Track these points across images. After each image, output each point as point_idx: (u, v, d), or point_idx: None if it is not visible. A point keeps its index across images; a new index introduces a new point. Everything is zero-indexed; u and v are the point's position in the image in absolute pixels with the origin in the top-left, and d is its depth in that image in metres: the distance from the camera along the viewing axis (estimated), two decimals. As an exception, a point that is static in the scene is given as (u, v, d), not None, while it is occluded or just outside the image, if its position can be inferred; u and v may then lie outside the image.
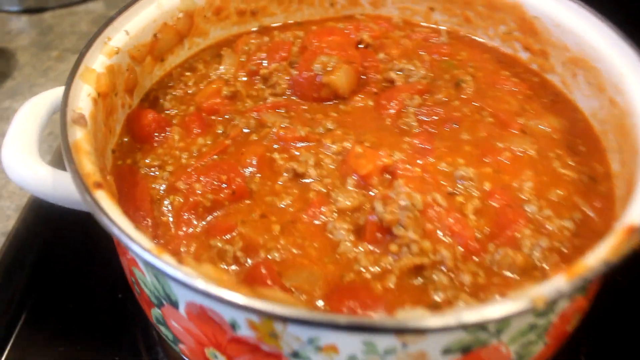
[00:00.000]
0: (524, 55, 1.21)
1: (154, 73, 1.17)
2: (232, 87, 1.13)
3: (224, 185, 0.93)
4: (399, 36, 1.27)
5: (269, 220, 0.90)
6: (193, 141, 1.04)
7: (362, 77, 1.14)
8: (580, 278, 0.66)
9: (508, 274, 0.83)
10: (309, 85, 1.09)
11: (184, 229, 0.90)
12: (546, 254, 0.84)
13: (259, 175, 0.97)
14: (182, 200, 0.93)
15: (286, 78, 1.14)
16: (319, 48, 1.12)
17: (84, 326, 1.07)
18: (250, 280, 0.81)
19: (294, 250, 0.86)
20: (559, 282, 0.66)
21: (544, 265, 0.84)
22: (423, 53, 1.22)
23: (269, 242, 0.87)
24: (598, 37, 1.03)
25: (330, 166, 0.98)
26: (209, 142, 1.04)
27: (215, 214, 0.92)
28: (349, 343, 0.69)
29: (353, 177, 0.94)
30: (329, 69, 1.08)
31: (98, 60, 0.99)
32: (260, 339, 0.72)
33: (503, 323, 0.70)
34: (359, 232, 0.88)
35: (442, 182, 0.94)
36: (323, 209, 0.91)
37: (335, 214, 0.90)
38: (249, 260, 0.85)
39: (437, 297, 0.80)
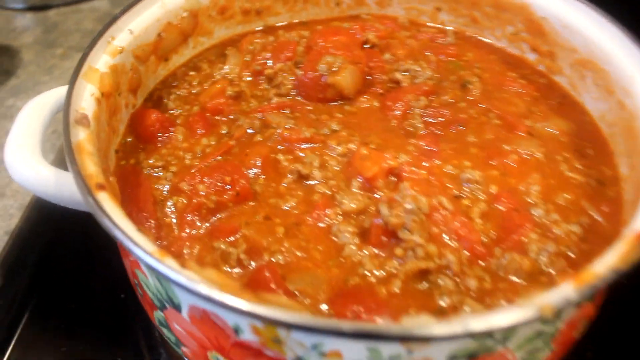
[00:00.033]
0: (531, 57, 1.20)
1: (158, 73, 1.16)
2: (237, 87, 1.12)
3: (228, 187, 0.92)
4: (405, 36, 1.26)
5: (273, 223, 0.89)
6: (197, 141, 1.03)
7: (368, 77, 1.13)
8: (588, 286, 0.65)
9: (514, 279, 0.82)
10: (314, 85, 1.08)
11: (187, 230, 0.89)
12: (553, 259, 0.83)
13: (263, 176, 0.96)
14: (185, 202, 0.92)
15: (291, 78, 1.13)
16: (324, 48, 1.11)
17: (86, 326, 1.07)
18: (253, 284, 0.80)
19: (298, 253, 0.85)
20: (567, 291, 0.65)
21: (551, 271, 0.83)
22: (429, 53, 1.21)
23: (272, 245, 0.86)
24: (607, 38, 1.02)
25: (335, 168, 0.97)
26: (213, 143, 1.03)
27: (218, 215, 0.91)
28: (353, 349, 0.68)
29: (358, 179, 0.94)
30: (334, 69, 1.07)
31: (102, 60, 0.99)
32: (263, 344, 0.71)
33: (510, 331, 0.69)
34: (364, 236, 0.87)
35: (448, 185, 0.93)
36: (328, 211, 0.90)
37: (340, 217, 0.89)
38: (253, 263, 0.85)
39: (443, 302, 0.79)
